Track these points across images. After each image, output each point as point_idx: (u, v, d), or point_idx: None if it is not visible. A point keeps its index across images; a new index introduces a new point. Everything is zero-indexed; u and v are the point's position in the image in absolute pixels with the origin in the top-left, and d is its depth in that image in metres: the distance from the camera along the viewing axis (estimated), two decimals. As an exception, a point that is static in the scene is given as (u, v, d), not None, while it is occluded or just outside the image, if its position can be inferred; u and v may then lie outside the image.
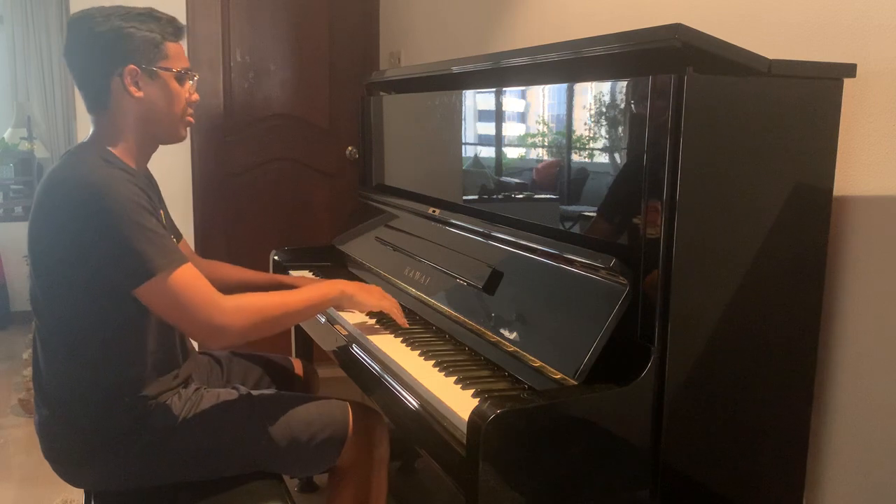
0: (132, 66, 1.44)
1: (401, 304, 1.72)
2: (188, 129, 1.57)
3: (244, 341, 1.44)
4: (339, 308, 1.67)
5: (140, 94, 1.45)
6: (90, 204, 1.32)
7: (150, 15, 1.47)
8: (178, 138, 1.55)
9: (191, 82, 1.54)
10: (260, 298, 1.45)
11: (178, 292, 1.34)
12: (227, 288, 1.48)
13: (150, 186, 1.49)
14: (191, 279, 1.36)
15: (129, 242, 1.32)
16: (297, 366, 2.00)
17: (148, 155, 1.54)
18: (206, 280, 1.39)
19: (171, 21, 1.50)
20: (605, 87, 1.29)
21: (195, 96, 1.56)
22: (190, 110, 1.55)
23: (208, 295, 1.37)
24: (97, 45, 1.43)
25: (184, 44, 1.55)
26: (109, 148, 1.45)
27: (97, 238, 1.33)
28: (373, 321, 1.76)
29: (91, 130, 1.50)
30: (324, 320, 1.83)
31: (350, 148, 3.38)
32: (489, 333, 1.43)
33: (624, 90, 1.25)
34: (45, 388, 1.47)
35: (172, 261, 1.35)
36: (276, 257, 2.35)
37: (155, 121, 1.49)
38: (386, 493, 1.67)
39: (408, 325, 1.67)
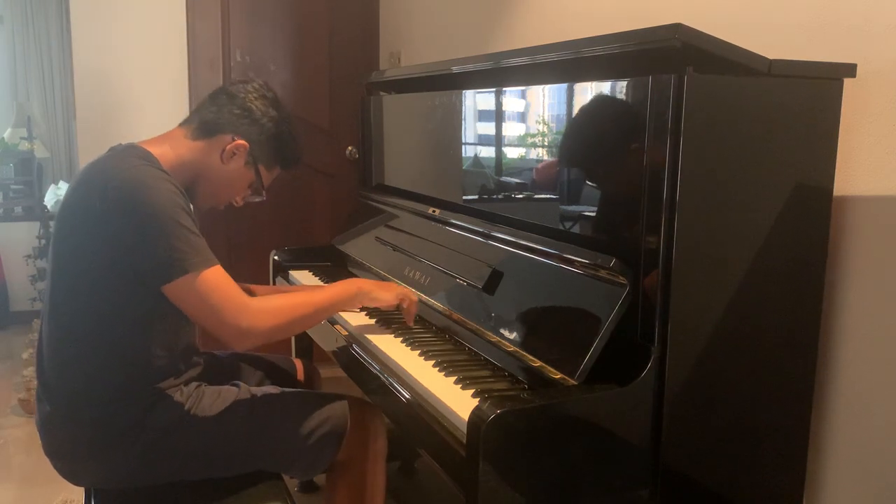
0: (245, 145, 1.56)
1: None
2: (208, 210, 1.67)
3: (269, 342, 1.45)
4: (359, 304, 1.67)
5: (225, 164, 1.56)
6: (130, 197, 1.35)
7: (295, 141, 1.65)
8: (199, 207, 1.65)
9: (252, 197, 1.66)
10: (285, 299, 1.50)
11: (207, 291, 1.37)
12: None
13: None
14: (221, 280, 1.39)
15: (166, 238, 1.35)
16: (299, 366, 2.00)
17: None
18: (234, 283, 1.42)
19: (298, 160, 1.68)
20: (605, 87, 1.29)
21: (240, 203, 1.67)
22: (226, 204, 1.66)
23: (237, 297, 1.40)
24: (248, 110, 1.57)
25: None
26: (157, 156, 1.48)
27: (132, 230, 1.35)
28: (373, 321, 1.76)
29: (161, 132, 1.57)
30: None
31: (350, 148, 3.38)
32: (489, 333, 1.43)
33: (624, 90, 1.25)
34: (49, 383, 1.48)
35: (205, 260, 1.38)
36: (276, 257, 2.35)
37: (204, 185, 1.58)
38: (384, 487, 1.67)
39: (412, 325, 1.67)
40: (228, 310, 1.38)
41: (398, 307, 1.67)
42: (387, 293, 1.65)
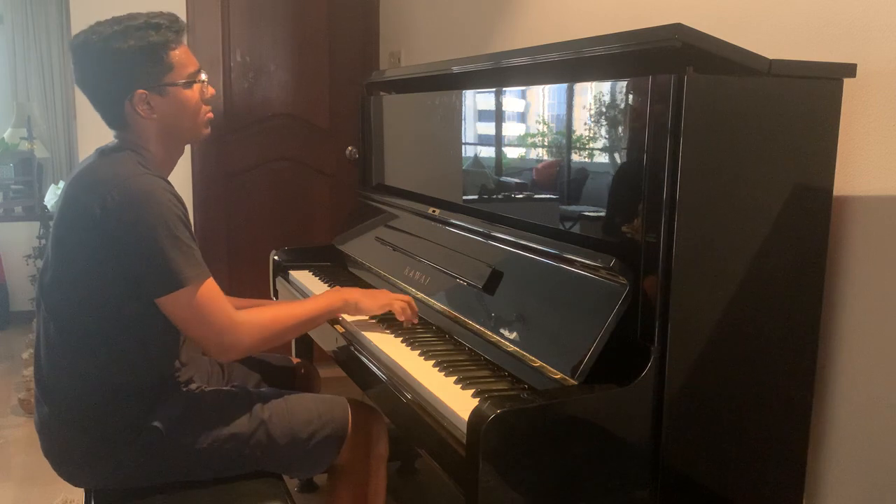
0: (140, 91, 1.45)
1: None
2: (209, 125, 1.59)
3: (250, 354, 1.45)
4: (345, 314, 1.69)
5: (154, 115, 1.47)
6: (130, 207, 1.34)
7: (147, 25, 1.43)
8: (200, 138, 1.61)
9: (200, 84, 1.54)
10: (270, 313, 1.52)
11: (200, 306, 1.38)
12: None
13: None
14: (214, 295, 1.41)
15: (164, 251, 1.35)
16: (298, 366, 2.00)
17: (175, 160, 1.58)
18: (224, 297, 1.44)
19: (170, 25, 1.46)
20: (605, 87, 1.29)
21: (210, 91, 1.58)
22: (207, 108, 1.57)
23: (226, 312, 1.42)
24: (102, 73, 1.44)
25: (185, 41, 1.53)
26: (141, 154, 1.47)
27: (130, 241, 1.35)
28: (373, 321, 1.76)
29: (113, 138, 1.53)
30: (324, 320, 1.83)
31: (350, 148, 3.38)
32: (489, 333, 1.43)
33: (624, 90, 1.25)
34: (47, 386, 1.48)
35: (200, 274, 1.39)
36: (276, 257, 2.35)
37: (174, 131, 1.53)
38: (385, 491, 1.67)
39: (415, 322, 1.67)
40: (218, 324, 1.40)
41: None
42: (373, 302, 1.65)
